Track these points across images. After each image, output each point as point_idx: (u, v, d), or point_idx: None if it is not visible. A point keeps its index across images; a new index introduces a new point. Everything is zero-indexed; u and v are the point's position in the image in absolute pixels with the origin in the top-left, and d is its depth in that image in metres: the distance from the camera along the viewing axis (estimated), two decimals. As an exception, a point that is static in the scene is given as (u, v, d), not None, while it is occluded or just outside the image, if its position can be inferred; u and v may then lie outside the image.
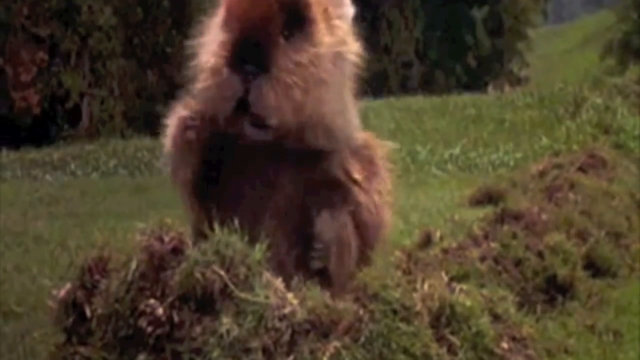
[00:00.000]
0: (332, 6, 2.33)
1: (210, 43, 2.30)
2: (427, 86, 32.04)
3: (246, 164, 2.30)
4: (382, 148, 2.48)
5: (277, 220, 2.26)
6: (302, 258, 2.26)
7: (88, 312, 1.92)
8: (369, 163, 2.40)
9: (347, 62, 2.33)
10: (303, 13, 2.23)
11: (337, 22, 2.32)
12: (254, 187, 2.29)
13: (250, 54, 2.17)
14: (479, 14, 36.18)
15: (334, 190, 2.31)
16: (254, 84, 2.16)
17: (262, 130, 2.20)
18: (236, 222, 2.00)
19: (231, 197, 2.30)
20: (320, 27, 2.25)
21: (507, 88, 25.63)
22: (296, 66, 2.19)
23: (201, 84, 2.27)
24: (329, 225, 2.26)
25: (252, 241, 1.99)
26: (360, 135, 2.42)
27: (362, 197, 2.33)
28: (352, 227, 2.30)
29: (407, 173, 10.57)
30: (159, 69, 24.74)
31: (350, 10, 2.38)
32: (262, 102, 2.16)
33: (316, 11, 2.26)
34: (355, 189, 2.33)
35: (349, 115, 2.35)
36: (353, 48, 2.36)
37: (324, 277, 2.20)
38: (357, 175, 2.34)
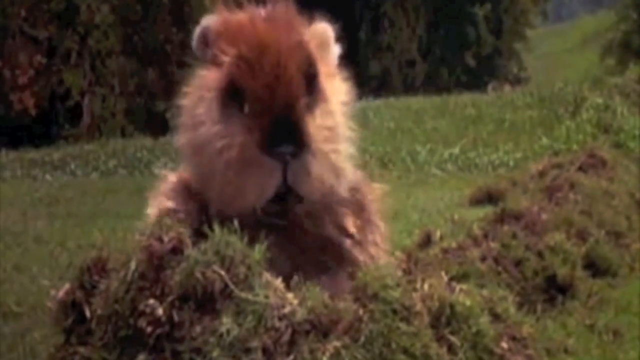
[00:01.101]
0: (322, 50, 2.16)
1: (220, 130, 2.04)
2: (431, 84, 32.07)
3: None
4: (373, 190, 2.36)
5: None
6: None
7: (87, 313, 1.92)
8: (361, 210, 2.27)
9: (345, 106, 2.19)
10: (313, 71, 2.08)
11: (332, 68, 2.18)
12: None
13: (284, 133, 1.98)
14: (481, 11, 36.19)
15: (329, 253, 2.19)
16: (293, 165, 1.98)
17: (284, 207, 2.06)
18: None
19: None
20: (323, 80, 2.11)
21: (507, 88, 25.63)
22: (328, 131, 2.06)
23: (229, 178, 2.02)
24: (328, 292, 2.10)
25: None
26: (352, 177, 2.27)
27: (358, 254, 2.22)
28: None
29: (407, 173, 10.58)
30: (159, 66, 24.78)
31: (336, 50, 2.22)
32: (307, 180, 2.01)
33: (317, 63, 2.12)
34: (350, 245, 2.21)
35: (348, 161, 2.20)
36: (344, 89, 2.21)
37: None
38: (352, 229, 2.22)
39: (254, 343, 1.81)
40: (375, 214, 2.33)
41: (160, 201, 2.24)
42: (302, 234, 2.16)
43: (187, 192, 2.22)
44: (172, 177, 2.31)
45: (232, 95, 2.05)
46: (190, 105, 2.15)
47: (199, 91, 2.14)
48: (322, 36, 2.19)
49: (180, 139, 2.18)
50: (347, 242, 2.21)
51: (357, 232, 2.23)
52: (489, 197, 6.78)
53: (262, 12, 2.17)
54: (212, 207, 2.12)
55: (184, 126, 2.17)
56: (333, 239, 2.19)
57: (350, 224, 2.23)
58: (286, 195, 2.04)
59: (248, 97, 2.03)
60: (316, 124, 2.05)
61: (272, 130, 1.98)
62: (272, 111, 1.99)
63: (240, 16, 2.17)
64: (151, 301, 1.86)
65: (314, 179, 2.02)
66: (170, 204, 2.20)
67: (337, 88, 2.18)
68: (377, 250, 2.29)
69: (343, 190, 2.16)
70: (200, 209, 2.16)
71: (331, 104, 2.11)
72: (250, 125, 2.00)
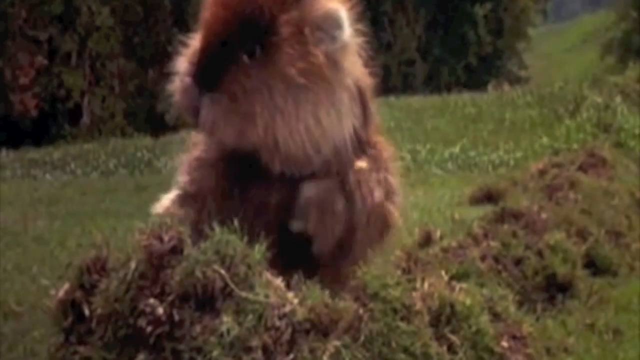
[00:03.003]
0: (314, 28, 2.17)
1: (192, 45, 2.29)
2: (431, 84, 32.10)
3: (239, 193, 2.25)
4: (389, 149, 2.43)
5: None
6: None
7: (87, 312, 1.92)
8: (374, 160, 2.34)
9: (323, 88, 2.17)
10: (266, 34, 2.15)
11: (312, 47, 2.16)
12: (247, 213, 2.21)
13: (205, 69, 2.15)
14: (480, 11, 36.15)
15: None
16: (203, 100, 2.15)
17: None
18: None
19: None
20: (287, 52, 2.14)
21: (506, 87, 25.63)
22: (242, 91, 2.14)
23: (171, 85, 2.28)
24: (311, 188, 2.22)
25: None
26: (369, 139, 2.34)
27: (357, 178, 2.27)
28: (340, 198, 2.24)
29: (407, 172, 10.56)
30: (160, 67, 24.79)
31: (342, 33, 2.19)
32: (205, 120, 2.16)
33: (285, 33, 2.15)
34: (353, 173, 2.27)
35: (325, 140, 2.19)
36: (337, 72, 2.20)
37: (306, 247, 2.19)
38: (361, 165, 2.28)
39: (254, 342, 1.81)
40: (389, 167, 2.39)
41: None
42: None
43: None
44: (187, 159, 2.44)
45: (200, 25, 2.27)
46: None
47: None
48: (323, 15, 2.19)
49: None
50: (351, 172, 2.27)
51: (366, 170, 2.29)
52: (489, 197, 6.77)
53: None
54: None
55: None
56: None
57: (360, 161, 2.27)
58: None
59: (201, 24, 2.24)
60: (237, 80, 2.14)
61: (198, 61, 2.17)
62: (204, 44, 2.18)
63: None
64: (151, 300, 1.86)
65: (209, 123, 2.15)
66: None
67: (308, 67, 2.16)
68: (381, 188, 2.32)
69: (285, 143, 2.16)
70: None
71: (277, 74, 2.14)
72: (195, 48, 2.24)
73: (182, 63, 2.27)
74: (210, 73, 2.15)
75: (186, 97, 2.20)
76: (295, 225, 2.21)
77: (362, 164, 2.30)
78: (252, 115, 2.13)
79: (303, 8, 2.18)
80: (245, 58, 2.15)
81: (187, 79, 2.20)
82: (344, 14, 2.21)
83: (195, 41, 2.28)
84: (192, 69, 2.19)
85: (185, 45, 2.33)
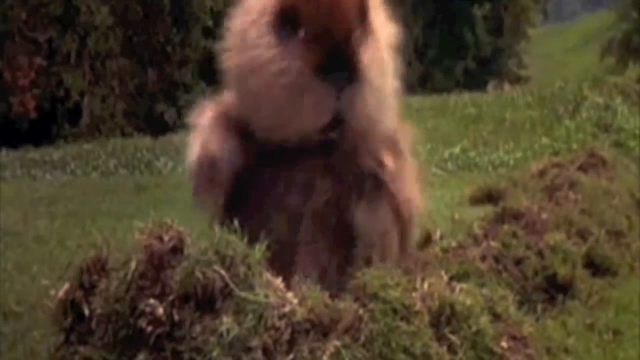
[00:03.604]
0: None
1: (276, 54, 2.07)
2: (426, 84, 32.11)
3: (278, 172, 2.20)
4: (404, 127, 2.45)
5: (316, 225, 2.15)
6: (344, 264, 2.22)
7: (87, 312, 1.92)
8: (396, 149, 2.35)
9: (391, 43, 2.25)
10: (365, 3, 2.16)
11: (379, 5, 2.24)
12: (289, 194, 2.17)
13: (340, 61, 2.03)
14: (479, 12, 36.13)
15: (368, 183, 2.23)
16: (346, 93, 2.05)
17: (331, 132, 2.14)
18: (274, 231, 2.00)
19: (266, 207, 2.19)
20: (373, 14, 2.18)
21: (506, 87, 25.63)
22: (378, 64, 2.11)
23: (284, 102, 2.06)
24: (369, 217, 2.22)
25: (290, 248, 2.03)
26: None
27: (395, 187, 2.27)
28: (390, 217, 2.26)
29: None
30: (159, 67, 24.80)
31: None
32: (358, 110, 2.08)
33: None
34: (387, 176, 2.26)
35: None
36: (390, 26, 2.28)
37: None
38: (388, 162, 2.27)
39: (254, 342, 1.81)
40: (407, 151, 2.40)
41: (200, 142, 2.25)
42: (341, 163, 2.20)
43: (228, 126, 2.23)
44: (209, 111, 2.32)
45: (286, 19, 2.07)
46: (242, 28, 2.16)
47: (251, 14, 2.14)
48: None
49: (228, 61, 2.19)
50: (383, 174, 2.25)
51: (395, 168, 2.28)
52: (489, 197, 6.76)
53: None
54: (258, 134, 2.16)
55: (234, 49, 2.18)
56: (372, 171, 2.23)
57: (387, 157, 2.26)
58: (334, 125, 2.08)
59: (305, 22, 2.05)
60: (368, 56, 2.09)
61: (328, 57, 2.01)
62: (329, 38, 2.02)
63: None
64: (151, 301, 1.86)
65: (364, 110, 2.08)
66: (211, 145, 2.20)
67: (384, 24, 2.22)
68: (410, 186, 2.34)
69: (390, 124, 2.22)
70: (242, 145, 2.20)
71: (380, 38, 2.16)
72: (307, 50, 2.03)
73: (288, 73, 2.08)
74: (345, 64, 2.06)
75: (321, 101, 2.06)
76: (361, 257, 2.21)
77: (388, 160, 2.28)
78: (385, 96, 2.20)
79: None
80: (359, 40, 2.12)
81: (318, 82, 2.03)
82: None
83: (275, 43, 2.10)
84: (320, 68, 2.03)
85: (243, 54, 2.17)
